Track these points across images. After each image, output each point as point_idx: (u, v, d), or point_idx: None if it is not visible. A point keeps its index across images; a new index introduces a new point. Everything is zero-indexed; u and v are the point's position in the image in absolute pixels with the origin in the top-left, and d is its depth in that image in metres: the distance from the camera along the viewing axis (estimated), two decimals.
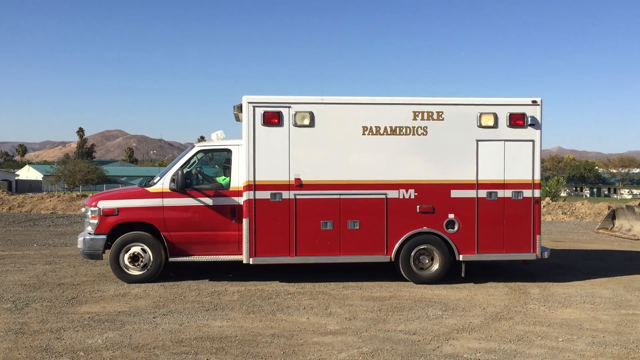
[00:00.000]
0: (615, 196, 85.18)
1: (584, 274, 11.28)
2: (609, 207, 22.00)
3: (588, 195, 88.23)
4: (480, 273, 10.94)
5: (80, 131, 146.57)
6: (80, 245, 10.18)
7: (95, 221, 10.05)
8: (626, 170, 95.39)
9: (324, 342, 6.88)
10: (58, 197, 30.40)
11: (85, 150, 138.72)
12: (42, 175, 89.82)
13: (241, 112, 10.00)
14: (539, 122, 10.20)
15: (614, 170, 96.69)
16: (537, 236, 10.21)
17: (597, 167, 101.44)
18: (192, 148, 10.55)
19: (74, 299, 8.84)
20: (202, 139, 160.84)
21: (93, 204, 10.13)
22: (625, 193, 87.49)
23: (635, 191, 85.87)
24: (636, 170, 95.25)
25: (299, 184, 9.88)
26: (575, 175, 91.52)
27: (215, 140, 10.82)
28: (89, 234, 10.17)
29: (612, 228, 19.66)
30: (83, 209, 10.83)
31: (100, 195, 10.65)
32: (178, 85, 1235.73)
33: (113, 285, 9.85)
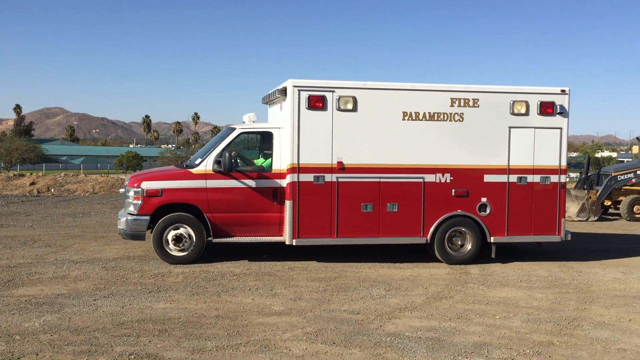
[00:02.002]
0: None
1: (521, 255, 11.68)
2: None
3: None
4: (424, 253, 11.18)
5: (18, 108, 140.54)
6: (122, 226, 10.05)
7: (139, 202, 9.93)
8: None
9: (268, 322, 6.91)
10: None
11: (23, 128, 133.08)
12: None
13: (283, 95, 10.15)
14: (567, 110, 10.63)
15: None
16: (562, 219, 10.70)
17: None
18: (233, 130, 10.45)
19: (10, 282, 8.54)
20: (147, 117, 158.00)
21: (135, 184, 10.01)
22: None
23: (572, 174, 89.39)
24: (573, 154, 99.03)
25: (341, 167, 10.07)
26: None
27: (248, 123, 10.92)
28: (130, 214, 10.01)
29: None
30: (122, 190, 10.75)
31: (141, 175, 10.49)
32: (123, 63, 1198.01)
33: (51, 267, 9.57)
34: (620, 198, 19.23)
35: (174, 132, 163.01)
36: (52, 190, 24.62)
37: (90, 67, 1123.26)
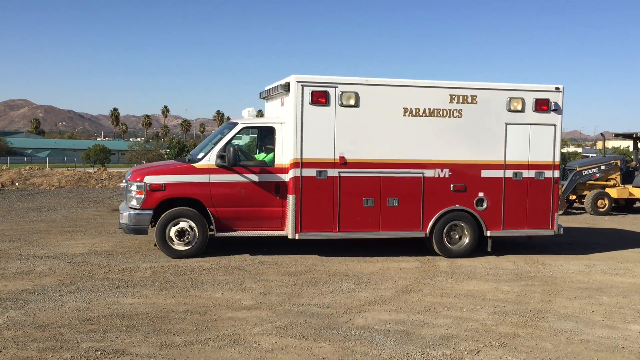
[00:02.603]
0: None
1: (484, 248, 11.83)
2: None
3: None
4: (393, 247, 11.27)
5: None
6: (125, 220, 9.98)
7: (142, 196, 9.90)
8: None
9: (238, 317, 6.88)
10: None
11: None
12: None
13: (286, 90, 10.18)
14: (561, 107, 10.92)
15: None
16: (555, 214, 11.01)
17: None
18: (235, 124, 10.48)
19: None
20: (115, 110, 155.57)
21: (138, 179, 10.00)
22: None
23: None
24: None
25: (343, 162, 10.16)
26: None
27: (248, 117, 10.99)
28: (134, 208, 9.95)
29: None
30: (123, 184, 10.72)
31: (144, 170, 10.45)
32: (91, 54, 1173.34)
33: (16, 262, 9.37)
34: (585, 192, 19.66)
35: (142, 125, 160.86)
36: (17, 184, 24.09)
37: (56, 58, 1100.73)
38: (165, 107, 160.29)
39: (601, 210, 18.94)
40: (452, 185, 10.58)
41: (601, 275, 9.70)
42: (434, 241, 10.64)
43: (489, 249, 10.88)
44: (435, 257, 10.69)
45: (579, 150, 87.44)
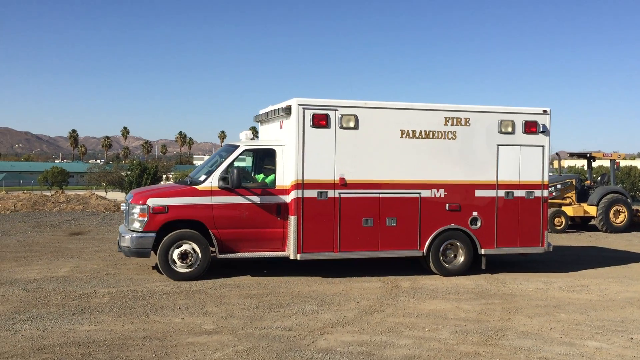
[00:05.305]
0: None
1: None
2: None
3: None
4: (356, 267, 11.29)
5: None
6: (127, 243, 9.86)
7: (144, 219, 9.89)
8: None
9: (198, 342, 6.77)
10: None
11: None
12: None
13: (287, 113, 10.35)
14: (548, 129, 11.37)
15: None
16: (545, 231, 11.40)
17: None
18: (236, 147, 10.60)
19: None
20: (74, 132, 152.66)
21: (141, 201, 9.97)
22: None
23: None
24: None
25: (344, 183, 10.36)
26: None
27: (245, 140, 11.21)
28: (136, 231, 9.83)
29: None
30: (124, 206, 10.59)
31: (145, 192, 10.39)
32: (48, 74, 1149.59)
33: None
34: None
35: (102, 146, 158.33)
36: None
37: (11, 79, 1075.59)
38: (125, 128, 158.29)
39: (558, 228, 19.36)
40: (447, 204, 10.85)
41: (559, 293, 9.90)
42: (430, 260, 10.87)
43: (483, 267, 11.15)
44: (398, 277, 10.74)
45: None
